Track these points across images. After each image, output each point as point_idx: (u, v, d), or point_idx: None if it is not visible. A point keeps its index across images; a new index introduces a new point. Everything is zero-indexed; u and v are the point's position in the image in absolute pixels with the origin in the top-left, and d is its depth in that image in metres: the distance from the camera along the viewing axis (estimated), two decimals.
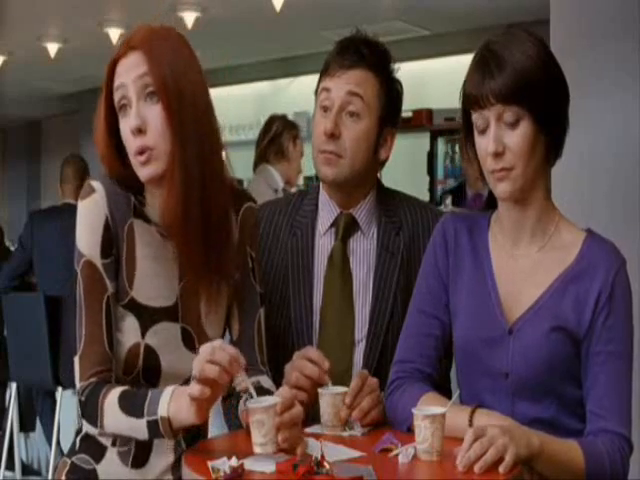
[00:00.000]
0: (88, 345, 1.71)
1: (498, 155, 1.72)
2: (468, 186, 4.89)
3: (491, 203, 1.90)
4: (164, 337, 1.75)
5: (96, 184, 1.73)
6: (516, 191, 1.74)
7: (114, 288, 1.73)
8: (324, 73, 2.08)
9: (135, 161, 1.72)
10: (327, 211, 2.11)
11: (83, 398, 1.70)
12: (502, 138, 1.72)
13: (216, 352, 1.53)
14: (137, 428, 1.64)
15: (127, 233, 1.74)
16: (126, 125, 1.70)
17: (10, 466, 5.06)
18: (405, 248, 2.07)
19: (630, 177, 3.22)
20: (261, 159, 4.53)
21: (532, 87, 1.70)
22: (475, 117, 1.75)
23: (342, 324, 2.04)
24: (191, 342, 1.78)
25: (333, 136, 2.01)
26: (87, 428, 1.73)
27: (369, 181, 2.11)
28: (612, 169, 3.26)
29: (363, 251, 2.09)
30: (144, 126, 1.68)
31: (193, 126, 1.70)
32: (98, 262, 1.71)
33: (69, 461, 1.81)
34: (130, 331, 1.74)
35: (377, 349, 2.02)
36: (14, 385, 4.88)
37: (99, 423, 1.68)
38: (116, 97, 1.71)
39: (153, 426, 1.62)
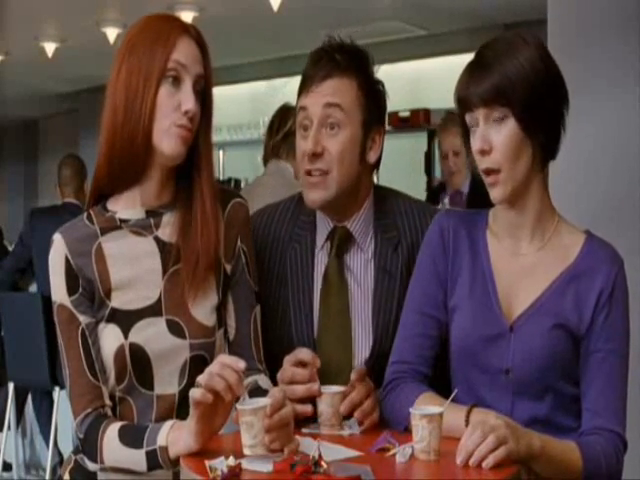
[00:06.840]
0: (74, 380, 1.79)
1: (485, 153, 1.74)
2: (447, 185, 4.92)
3: (472, 201, 1.92)
4: (148, 332, 1.78)
5: (55, 235, 1.83)
6: (508, 195, 1.76)
7: (91, 316, 1.80)
8: (301, 89, 2.00)
9: (175, 130, 1.76)
10: (322, 225, 2.03)
11: (82, 435, 1.76)
12: (489, 136, 1.74)
13: (226, 370, 1.54)
14: (136, 459, 1.68)
15: (95, 255, 1.80)
16: (175, 98, 1.77)
17: (8, 466, 5.06)
18: (404, 265, 1.98)
19: (629, 177, 3.21)
20: (274, 154, 4.08)
21: (516, 89, 1.71)
22: (467, 119, 1.78)
23: (340, 350, 1.96)
24: (179, 331, 1.79)
25: (316, 155, 1.93)
26: (88, 464, 1.77)
27: (362, 188, 2.02)
28: (610, 169, 3.25)
29: (360, 268, 2.00)
30: (193, 114, 1.77)
31: (212, 119, 1.85)
32: (67, 301, 1.80)
33: (74, 458, 1.86)
34: (112, 338, 1.78)
35: (380, 373, 1.90)
36: (11, 385, 4.88)
37: (99, 459, 1.73)
38: (170, 65, 1.76)
39: (152, 456, 1.66)
